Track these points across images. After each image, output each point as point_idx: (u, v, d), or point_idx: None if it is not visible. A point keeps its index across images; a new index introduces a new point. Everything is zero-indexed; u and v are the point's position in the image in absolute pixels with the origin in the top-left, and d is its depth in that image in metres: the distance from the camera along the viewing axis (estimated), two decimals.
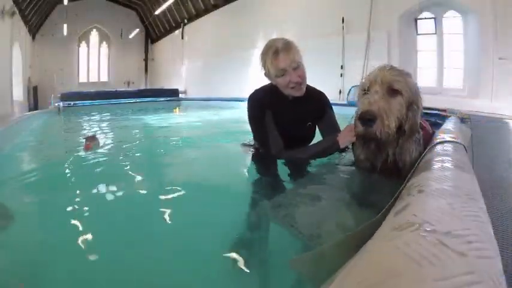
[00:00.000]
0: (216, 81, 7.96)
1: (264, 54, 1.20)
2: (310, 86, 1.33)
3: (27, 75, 8.95)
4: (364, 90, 0.84)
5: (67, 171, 1.46)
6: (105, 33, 12.38)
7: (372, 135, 0.77)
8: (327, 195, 0.93)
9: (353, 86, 4.59)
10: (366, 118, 0.75)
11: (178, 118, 4.14)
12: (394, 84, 0.80)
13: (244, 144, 1.55)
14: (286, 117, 1.27)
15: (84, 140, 1.94)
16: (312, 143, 1.34)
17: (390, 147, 0.88)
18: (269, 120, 1.25)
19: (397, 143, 0.87)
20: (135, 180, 1.37)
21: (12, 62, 6.53)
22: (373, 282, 0.23)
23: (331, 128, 1.32)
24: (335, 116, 1.38)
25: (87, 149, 1.79)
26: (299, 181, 1.16)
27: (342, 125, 1.28)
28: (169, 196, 1.11)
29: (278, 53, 1.15)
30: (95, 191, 1.20)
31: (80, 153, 1.80)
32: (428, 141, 0.96)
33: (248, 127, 1.37)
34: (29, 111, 7.58)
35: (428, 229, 0.29)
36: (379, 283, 0.23)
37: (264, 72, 1.25)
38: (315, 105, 1.34)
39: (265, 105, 1.26)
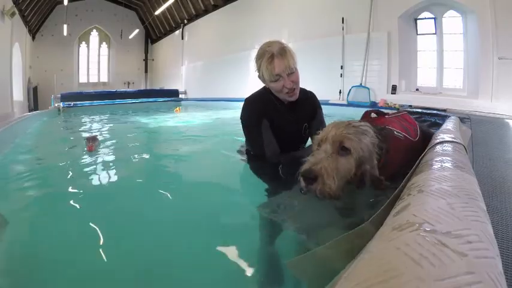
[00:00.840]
0: (216, 81, 7.97)
1: (259, 58, 1.20)
2: (301, 88, 1.32)
3: (27, 75, 8.96)
4: (317, 144, 0.86)
5: (67, 171, 1.47)
6: (105, 33, 12.39)
7: (313, 192, 0.79)
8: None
9: (353, 86, 4.60)
10: (307, 176, 0.77)
11: (178, 119, 4.14)
12: (345, 143, 0.81)
13: (240, 152, 1.54)
14: (284, 123, 1.27)
15: (85, 141, 1.96)
16: (306, 145, 1.34)
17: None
18: (266, 129, 1.24)
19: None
20: (136, 181, 1.37)
21: (12, 62, 6.53)
22: (373, 282, 0.23)
23: (321, 127, 1.33)
24: (323, 114, 1.39)
25: (90, 150, 1.81)
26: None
27: None
28: (168, 196, 1.11)
29: (273, 58, 1.15)
30: (96, 191, 1.20)
31: (79, 154, 1.81)
32: (411, 151, 0.96)
33: None
34: (29, 111, 7.59)
35: (428, 229, 0.29)
36: (379, 283, 0.23)
37: (258, 75, 1.25)
38: (310, 106, 1.34)
39: (261, 115, 1.24)
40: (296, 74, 1.20)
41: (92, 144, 1.87)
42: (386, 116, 1.07)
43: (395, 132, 0.96)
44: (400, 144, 0.94)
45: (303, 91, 1.34)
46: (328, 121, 1.42)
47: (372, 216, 0.46)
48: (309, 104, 1.34)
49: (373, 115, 1.06)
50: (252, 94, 1.34)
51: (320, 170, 0.76)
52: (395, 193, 0.50)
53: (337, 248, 0.44)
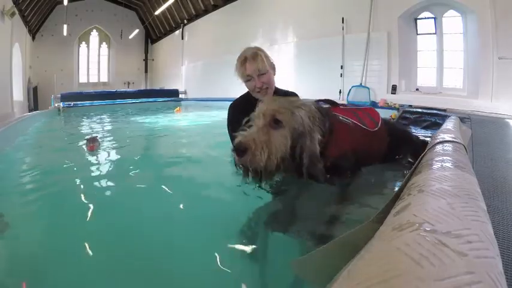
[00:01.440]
0: (216, 81, 7.95)
1: (237, 61, 1.36)
2: (284, 90, 1.45)
3: (27, 75, 8.95)
4: (250, 120, 0.89)
5: (68, 171, 1.47)
6: (105, 33, 12.38)
7: (245, 164, 0.81)
8: (325, 196, 0.93)
9: (353, 86, 4.60)
10: (237, 149, 0.80)
11: (178, 119, 4.14)
12: (277, 116, 0.83)
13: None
14: None
15: (86, 142, 1.96)
16: None
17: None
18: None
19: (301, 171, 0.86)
20: (136, 181, 1.37)
21: (12, 62, 6.53)
22: (373, 282, 0.23)
23: None
24: None
25: (91, 150, 1.83)
26: (297, 182, 1.16)
27: None
28: (168, 196, 1.11)
29: (246, 61, 1.31)
30: (96, 190, 1.20)
31: (80, 153, 1.81)
32: (363, 137, 0.95)
33: None
34: (29, 111, 7.58)
35: (428, 229, 0.29)
36: (379, 283, 0.23)
37: (236, 74, 1.39)
38: None
39: (242, 113, 1.32)
40: (267, 76, 1.32)
41: (93, 144, 1.89)
42: (341, 107, 1.08)
43: (340, 117, 0.97)
44: (346, 128, 0.95)
45: (283, 92, 1.46)
46: None
47: (374, 215, 0.46)
48: None
49: (322, 104, 1.07)
50: (238, 97, 1.48)
51: (249, 142, 0.78)
52: (395, 193, 0.50)
53: (340, 247, 0.44)
